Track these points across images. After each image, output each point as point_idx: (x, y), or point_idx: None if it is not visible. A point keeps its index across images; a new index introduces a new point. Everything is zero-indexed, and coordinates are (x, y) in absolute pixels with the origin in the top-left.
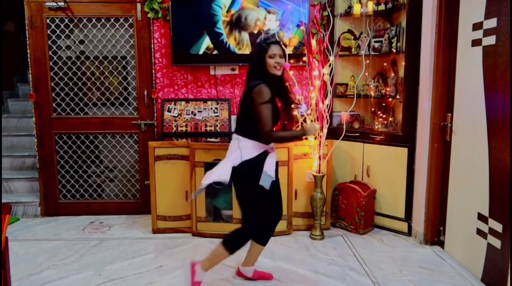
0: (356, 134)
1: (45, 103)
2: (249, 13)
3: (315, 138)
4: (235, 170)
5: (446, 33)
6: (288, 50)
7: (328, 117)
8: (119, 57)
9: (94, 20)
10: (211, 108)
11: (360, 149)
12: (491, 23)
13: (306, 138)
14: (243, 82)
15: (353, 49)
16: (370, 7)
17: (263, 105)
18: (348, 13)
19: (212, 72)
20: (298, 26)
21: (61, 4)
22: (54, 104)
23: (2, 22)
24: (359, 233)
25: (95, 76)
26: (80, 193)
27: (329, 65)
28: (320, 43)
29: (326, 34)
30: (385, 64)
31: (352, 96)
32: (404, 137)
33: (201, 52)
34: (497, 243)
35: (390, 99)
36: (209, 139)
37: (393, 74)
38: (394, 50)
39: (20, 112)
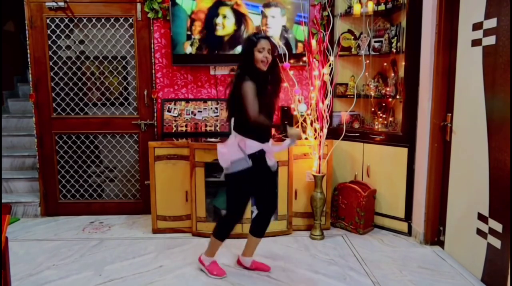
0: (356, 134)
1: (45, 103)
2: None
3: (315, 138)
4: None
5: (446, 33)
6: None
7: (328, 117)
8: (119, 57)
9: (94, 20)
10: (211, 108)
11: (360, 149)
12: (491, 23)
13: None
14: None
15: (353, 49)
16: (370, 7)
17: (247, 93)
18: (348, 13)
19: (212, 72)
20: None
21: (61, 4)
22: (54, 104)
23: (2, 22)
24: (359, 233)
25: (95, 76)
26: (80, 193)
27: (329, 65)
28: (320, 43)
29: (326, 34)
30: (385, 64)
31: (352, 96)
32: (404, 137)
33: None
34: (497, 243)
35: (390, 99)
36: (209, 139)
37: (393, 74)
38: (394, 50)
39: (20, 112)
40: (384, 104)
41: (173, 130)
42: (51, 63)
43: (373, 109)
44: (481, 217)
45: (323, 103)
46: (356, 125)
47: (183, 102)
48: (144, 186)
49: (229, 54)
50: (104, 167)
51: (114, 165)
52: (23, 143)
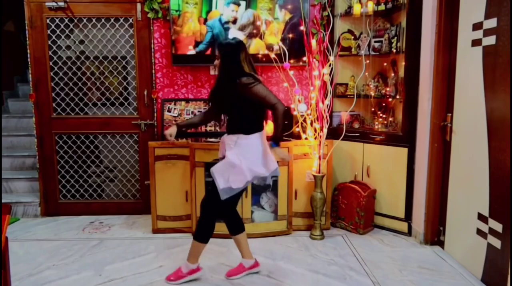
0: (356, 134)
1: (45, 103)
2: (244, 13)
3: (315, 138)
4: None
5: (446, 33)
6: None
7: (328, 117)
8: (119, 57)
9: (94, 20)
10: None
11: (360, 149)
12: (491, 23)
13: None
14: None
15: (353, 49)
16: (370, 7)
17: (256, 86)
18: (348, 13)
19: (212, 72)
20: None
21: (61, 4)
22: (54, 104)
23: (2, 22)
24: (359, 233)
25: (95, 76)
26: (80, 193)
27: (329, 65)
28: (320, 43)
29: (326, 34)
30: (385, 64)
31: (352, 96)
32: (404, 137)
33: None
34: (497, 243)
35: (390, 99)
36: (209, 139)
37: (393, 74)
38: (394, 50)
39: (20, 112)
40: (384, 104)
41: None
42: (51, 63)
43: (373, 109)
44: (481, 217)
45: (323, 103)
46: (356, 125)
47: (183, 102)
48: (144, 186)
49: None
50: (104, 167)
51: (114, 165)
52: (23, 143)
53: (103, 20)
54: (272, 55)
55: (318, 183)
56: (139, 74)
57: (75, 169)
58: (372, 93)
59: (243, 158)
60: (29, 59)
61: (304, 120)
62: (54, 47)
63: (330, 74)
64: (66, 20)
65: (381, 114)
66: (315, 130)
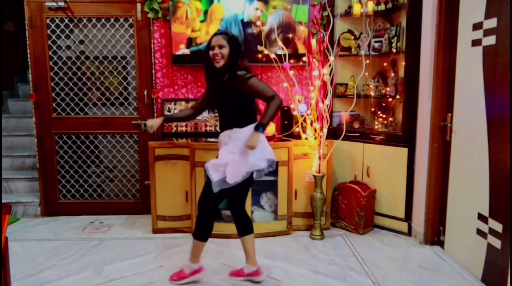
0: (356, 134)
1: (45, 103)
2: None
3: (315, 138)
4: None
5: (446, 33)
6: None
7: (328, 117)
8: (119, 57)
9: (94, 20)
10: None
11: (360, 149)
12: (491, 23)
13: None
14: None
15: (353, 49)
16: (370, 7)
17: (252, 78)
18: (348, 13)
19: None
20: None
21: (61, 4)
22: (54, 104)
23: (2, 22)
24: (359, 233)
25: (95, 76)
26: (80, 193)
27: (329, 65)
28: (320, 43)
29: (326, 34)
30: (385, 64)
31: (352, 96)
32: (404, 137)
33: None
34: (497, 243)
35: (390, 99)
36: (209, 139)
37: (393, 74)
38: (394, 50)
39: (20, 112)
40: (384, 104)
41: (173, 131)
42: (51, 63)
43: (373, 109)
44: (481, 217)
45: (323, 103)
46: (356, 125)
47: (183, 102)
48: (144, 186)
49: None
50: (104, 167)
51: (114, 165)
52: (23, 142)
53: (103, 20)
54: (272, 55)
55: (318, 183)
56: (139, 74)
57: (75, 169)
58: (372, 93)
59: (238, 151)
60: (29, 59)
61: (304, 120)
62: (54, 47)
63: (330, 74)
64: (66, 20)
65: (381, 114)
66: (315, 130)
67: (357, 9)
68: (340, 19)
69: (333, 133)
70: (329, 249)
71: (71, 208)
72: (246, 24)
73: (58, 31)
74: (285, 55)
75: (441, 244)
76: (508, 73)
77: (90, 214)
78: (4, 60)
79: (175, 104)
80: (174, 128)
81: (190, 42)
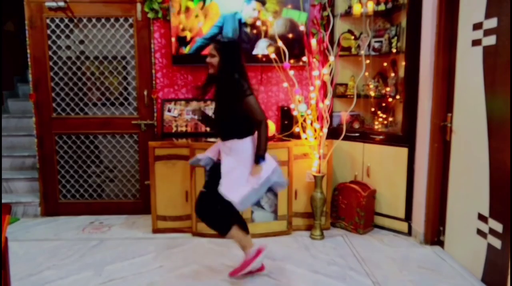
0: (356, 134)
1: (45, 103)
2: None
3: (315, 138)
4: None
5: (446, 33)
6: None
7: (328, 117)
8: (119, 57)
9: (94, 20)
10: (211, 108)
11: (360, 149)
12: (491, 23)
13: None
14: None
15: (353, 49)
16: (370, 7)
17: (250, 96)
18: (348, 13)
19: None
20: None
21: (61, 4)
22: (54, 104)
23: (2, 22)
24: (359, 233)
25: (95, 76)
26: (80, 193)
27: (329, 65)
28: (320, 43)
29: (326, 34)
30: (385, 64)
31: (352, 96)
32: (404, 137)
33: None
34: (497, 243)
35: (390, 99)
36: (209, 140)
37: (393, 74)
38: (394, 50)
39: (20, 112)
40: (384, 104)
41: (173, 131)
42: (51, 63)
43: (373, 109)
44: (481, 217)
45: (323, 103)
46: (356, 125)
47: (183, 102)
48: (144, 186)
49: None
50: (104, 167)
51: (114, 165)
52: (23, 143)
53: (103, 20)
54: (272, 55)
55: (318, 183)
56: (139, 74)
57: (75, 169)
58: (372, 93)
59: (243, 165)
60: (29, 59)
61: (304, 120)
62: (54, 47)
63: (330, 74)
64: (66, 20)
65: (381, 114)
66: (315, 130)
67: (357, 9)
68: (340, 19)
69: (333, 133)
70: (329, 249)
71: (71, 208)
72: (243, 24)
73: (58, 31)
74: (285, 55)
75: (441, 244)
76: (508, 73)
77: (90, 214)
78: (4, 60)
79: (175, 104)
80: (174, 129)
81: (186, 41)
